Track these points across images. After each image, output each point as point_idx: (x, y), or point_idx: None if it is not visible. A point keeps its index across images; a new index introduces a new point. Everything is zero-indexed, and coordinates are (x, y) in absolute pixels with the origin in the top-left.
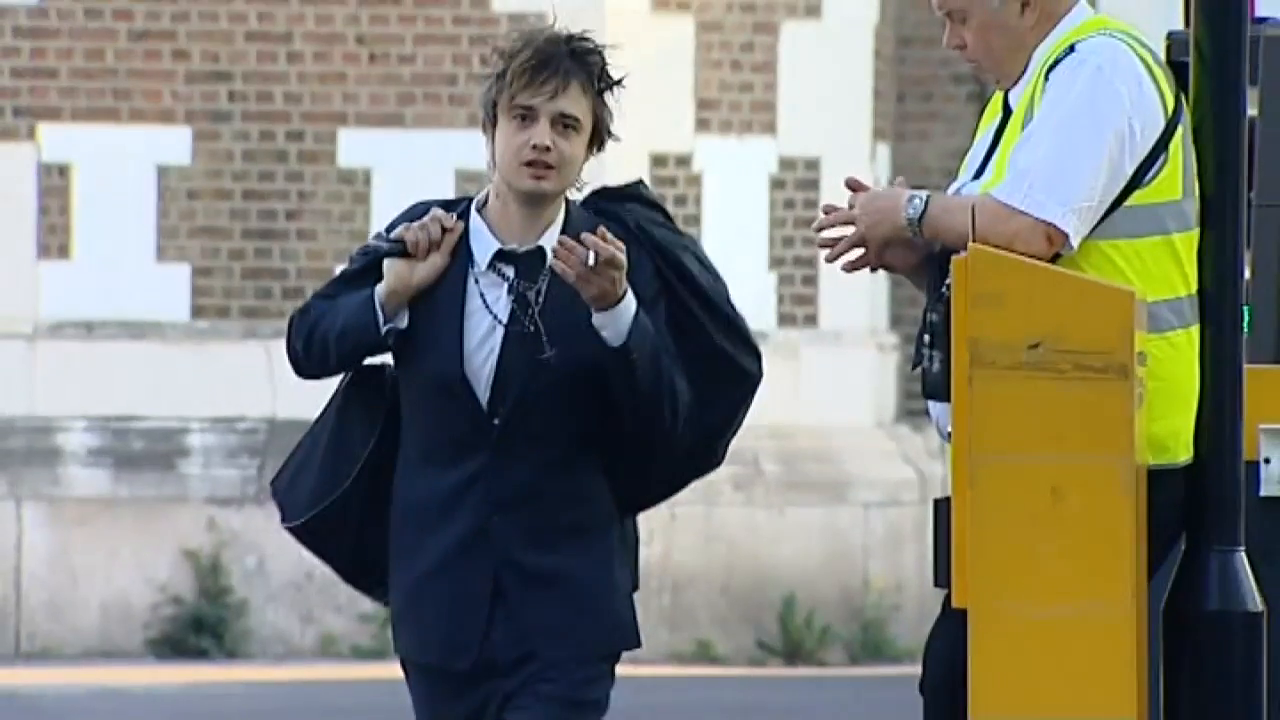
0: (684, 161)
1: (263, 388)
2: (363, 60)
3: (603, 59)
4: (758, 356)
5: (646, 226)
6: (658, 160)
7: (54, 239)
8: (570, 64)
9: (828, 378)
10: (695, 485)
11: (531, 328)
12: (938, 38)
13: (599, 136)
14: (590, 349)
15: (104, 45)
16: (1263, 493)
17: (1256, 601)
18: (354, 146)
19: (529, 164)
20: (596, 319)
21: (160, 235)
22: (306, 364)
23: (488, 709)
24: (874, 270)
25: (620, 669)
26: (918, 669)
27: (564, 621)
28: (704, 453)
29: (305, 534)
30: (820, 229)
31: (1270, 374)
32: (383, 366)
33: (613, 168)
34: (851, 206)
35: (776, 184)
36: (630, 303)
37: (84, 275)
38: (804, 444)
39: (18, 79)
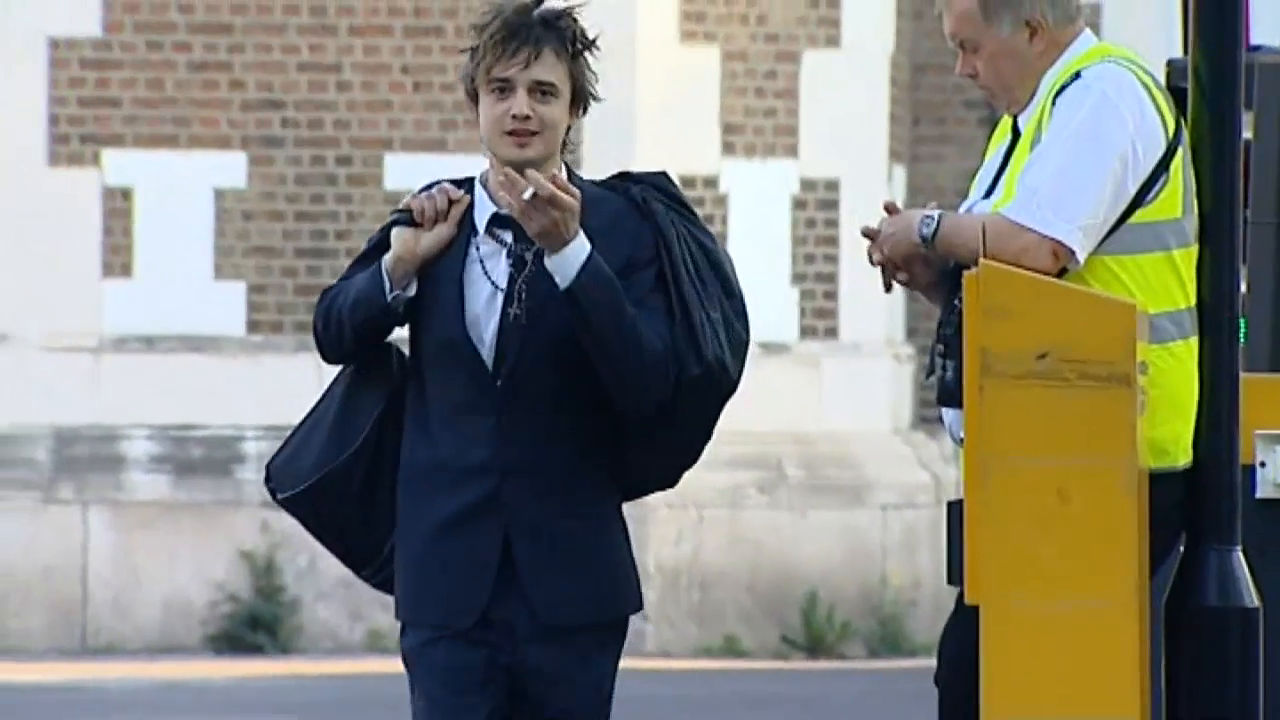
0: (711, 183)
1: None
2: (407, 89)
3: (574, 22)
4: (702, 361)
5: (651, 202)
6: (686, 182)
7: (117, 258)
8: (541, 31)
9: (847, 387)
10: (721, 487)
11: (522, 290)
12: (950, 65)
13: (580, 99)
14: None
15: (164, 76)
16: (1258, 494)
17: (1253, 598)
18: (399, 170)
19: (511, 133)
20: (547, 261)
21: (217, 254)
22: (326, 344)
23: (489, 673)
24: (888, 290)
25: (651, 662)
26: (933, 662)
27: (571, 587)
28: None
29: (303, 503)
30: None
31: (1265, 382)
32: (390, 346)
33: None
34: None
35: (798, 204)
36: (579, 249)
37: (145, 292)
38: (825, 449)
39: (83, 108)
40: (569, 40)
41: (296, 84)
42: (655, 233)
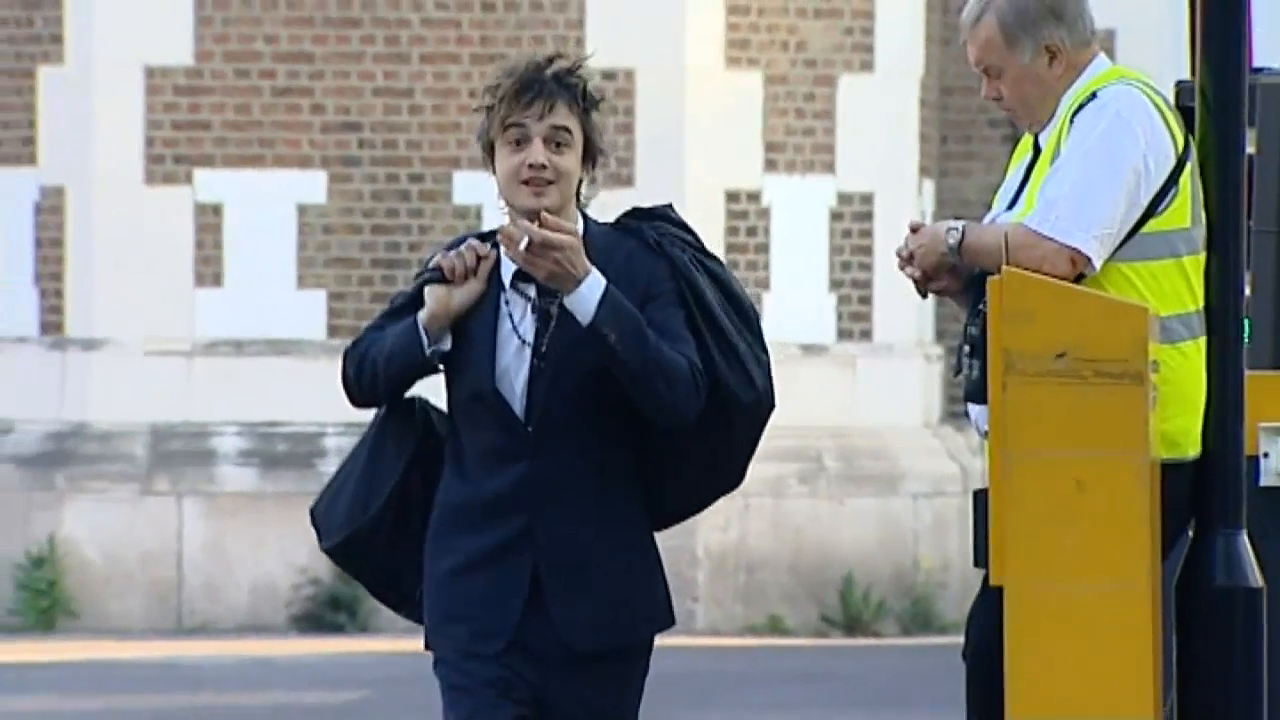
0: (754, 197)
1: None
2: (474, 112)
3: (583, 80)
4: (754, 387)
5: (664, 241)
6: (731, 196)
7: (208, 269)
8: (554, 85)
9: (881, 384)
10: (765, 478)
11: (551, 342)
12: (975, 87)
13: (591, 153)
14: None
15: (250, 101)
16: (1262, 483)
17: (1257, 578)
18: (467, 186)
19: (526, 182)
20: (565, 302)
21: (300, 265)
22: (357, 390)
23: (516, 699)
24: (924, 296)
25: (701, 640)
26: (961, 639)
27: (599, 615)
28: (718, 471)
29: (339, 555)
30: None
31: (1268, 379)
32: (414, 400)
33: (692, 203)
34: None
35: (835, 216)
36: (594, 285)
37: (234, 300)
38: (860, 443)
39: (176, 131)
40: (579, 96)
41: (372, 108)
42: (673, 270)
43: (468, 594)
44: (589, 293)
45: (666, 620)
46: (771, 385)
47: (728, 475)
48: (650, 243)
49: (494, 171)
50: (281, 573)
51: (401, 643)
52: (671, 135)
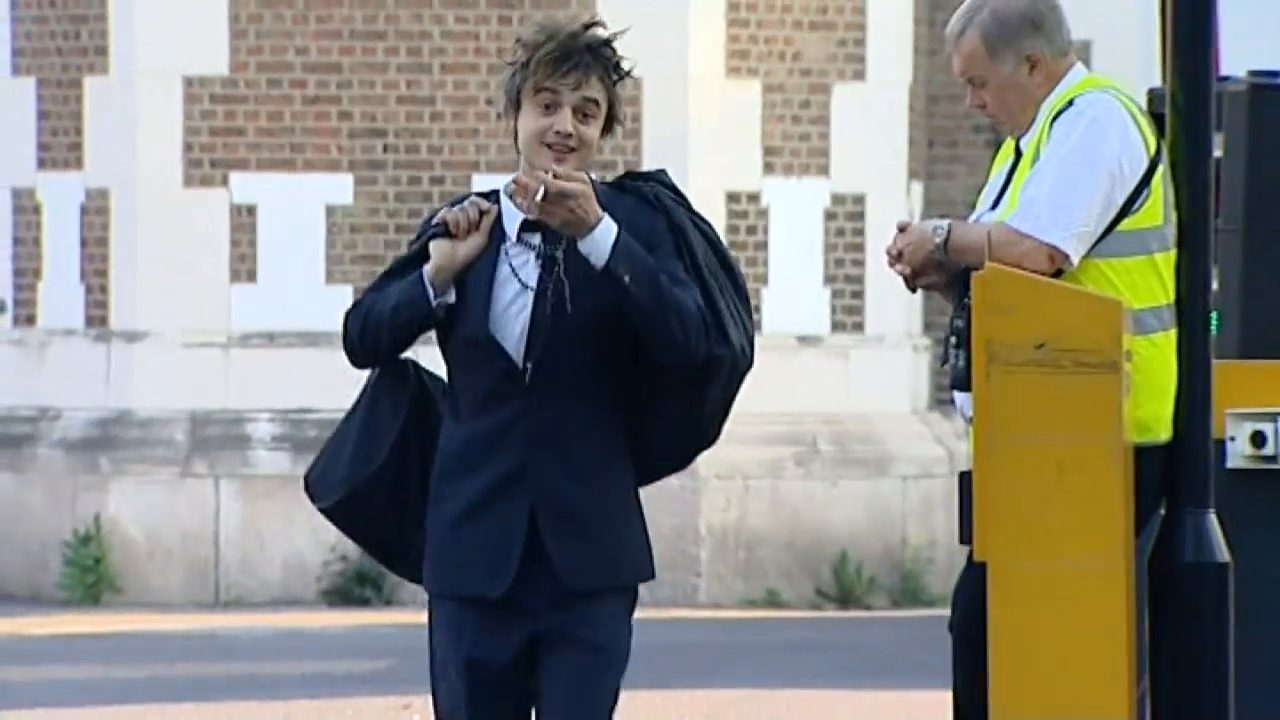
0: (754, 198)
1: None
2: (491, 118)
3: (615, 52)
4: (728, 342)
5: (662, 198)
6: (732, 197)
7: (242, 266)
8: (589, 57)
9: (872, 373)
10: (764, 460)
11: (555, 286)
12: (960, 95)
13: (612, 122)
14: (612, 294)
15: (283, 108)
16: (1229, 465)
17: (1224, 554)
18: (485, 188)
19: (550, 145)
20: (580, 246)
21: (328, 262)
22: (360, 348)
23: (506, 641)
24: (913, 291)
25: (703, 613)
26: (948, 611)
27: (590, 554)
28: (694, 428)
29: (339, 513)
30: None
31: (1234, 368)
32: (406, 362)
33: (695, 203)
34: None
35: (830, 216)
36: (607, 229)
37: (267, 295)
38: (853, 428)
39: (214, 136)
40: (611, 68)
41: (396, 114)
42: (669, 224)
43: (470, 539)
44: (602, 237)
45: (649, 571)
46: (750, 346)
47: (703, 432)
48: (649, 199)
49: (514, 124)
50: (312, 550)
51: (423, 615)
52: (676, 139)
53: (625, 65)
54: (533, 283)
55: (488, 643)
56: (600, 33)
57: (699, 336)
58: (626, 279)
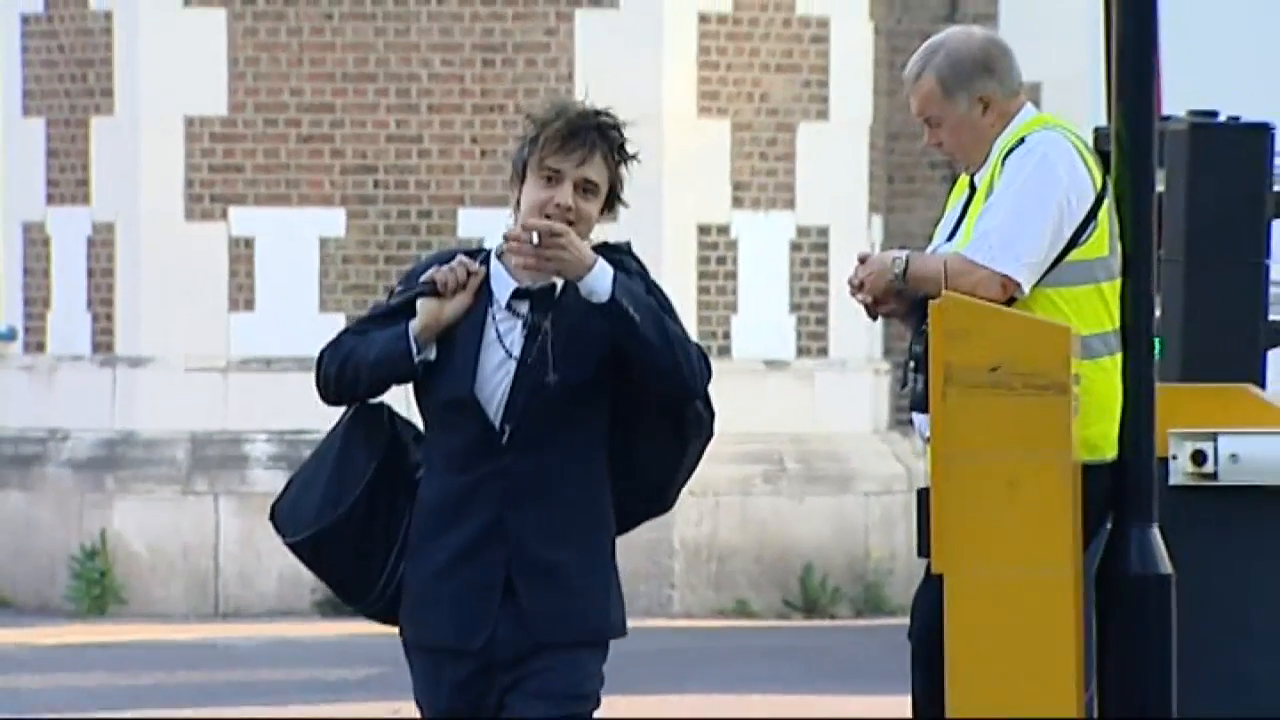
0: (723, 230)
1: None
2: (476, 155)
3: (622, 135)
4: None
5: (629, 265)
6: (703, 229)
7: (240, 295)
8: (596, 136)
9: (836, 395)
10: (734, 478)
11: (539, 355)
12: (918, 134)
13: (612, 201)
14: (593, 364)
15: (279, 146)
16: (1171, 482)
17: (1167, 566)
18: (470, 222)
19: (549, 218)
20: (581, 288)
21: (322, 291)
22: (335, 389)
23: (485, 701)
24: (874, 319)
25: (676, 622)
26: (907, 620)
27: (563, 608)
28: (654, 494)
29: (303, 549)
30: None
31: (1176, 391)
32: (381, 405)
33: (669, 235)
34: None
35: (795, 247)
36: (604, 269)
37: (264, 322)
38: (818, 447)
39: (213, 173)
40: (616, 149)
41: (386, 152)
42: (645, 286)
43: (449, 594)
44: (602, 273)
45: (620, 628)
46: (710, 417)
47: (659, 498)
48: (625, 267)
49: (518, 194)
50: None
51: None
52: (650, 175)
53: (630, 149)
54: (517, 351)
55: (465, 695)
56: (609, 117)
57: (700, 368)
58: (631, 310)
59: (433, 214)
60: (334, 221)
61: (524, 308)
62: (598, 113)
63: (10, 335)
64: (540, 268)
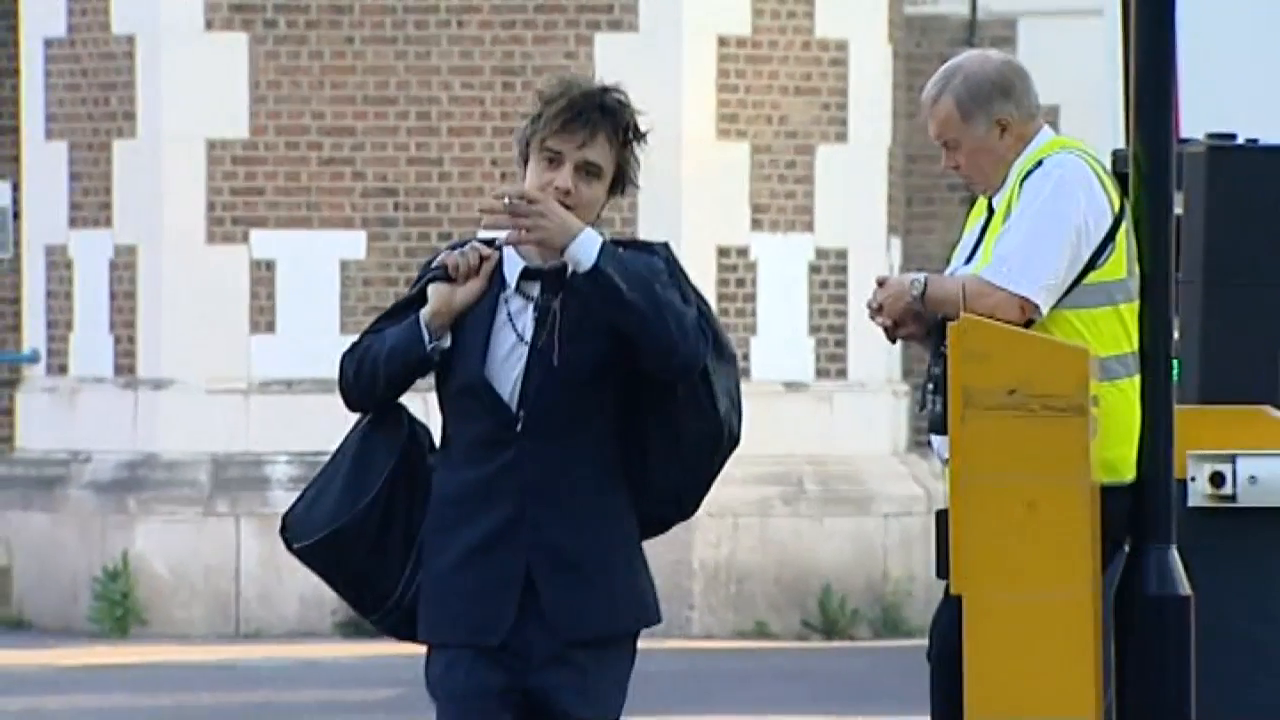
0: (743, 252)
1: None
2: (497, 178)
3: (631, 114)
4: (725, 357)
5: (661, 254)
6: (722, 251)
7: (262, 317)
8: (599, 116)
9: (855, 417)
10: (753, 500)
11: (549, 338)
12: (936, 156)
13: (622, 183)
14: (605, 345)
15: (299, 169)
16: (1190, 504)
17: (1186, 588)
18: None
19: None
20: (566, 256)
21: (342, 313)
22: (356, 390)
23: (509, 685)
24: (893, 342)
25: (696, 643)
26: (926, 642)
27: (586, 602)
28: (672, 501)
29: (318, 550)
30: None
31: (1195, 413)
32: (400, 409)
33: (688, 258)
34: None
35: (814, 269)
36: (591, 236)
37: (285, 344)
38: (837, 469)
39: (235, 196)
40: (622, 129)
41: (406, 175)
42: (669, 270)
43: (466, 586)
44: (588, 241)
45: (654, 616)
46: (739, 422)
47: (695, 472)
48: (653, 250)
49: (524, 174)
50: (327, 585)
51: None
52: (670, 197)
53: (641, 128)
54: (528, 335)
55: (481, 679)
56: (616, 94)
57: (697, 342)
58: (617, 278)
59: (453, 236)
60: (355, 244)
61: (534, 289)
62: (604, 90)
63: (33, 358)
64: (522, 240)
